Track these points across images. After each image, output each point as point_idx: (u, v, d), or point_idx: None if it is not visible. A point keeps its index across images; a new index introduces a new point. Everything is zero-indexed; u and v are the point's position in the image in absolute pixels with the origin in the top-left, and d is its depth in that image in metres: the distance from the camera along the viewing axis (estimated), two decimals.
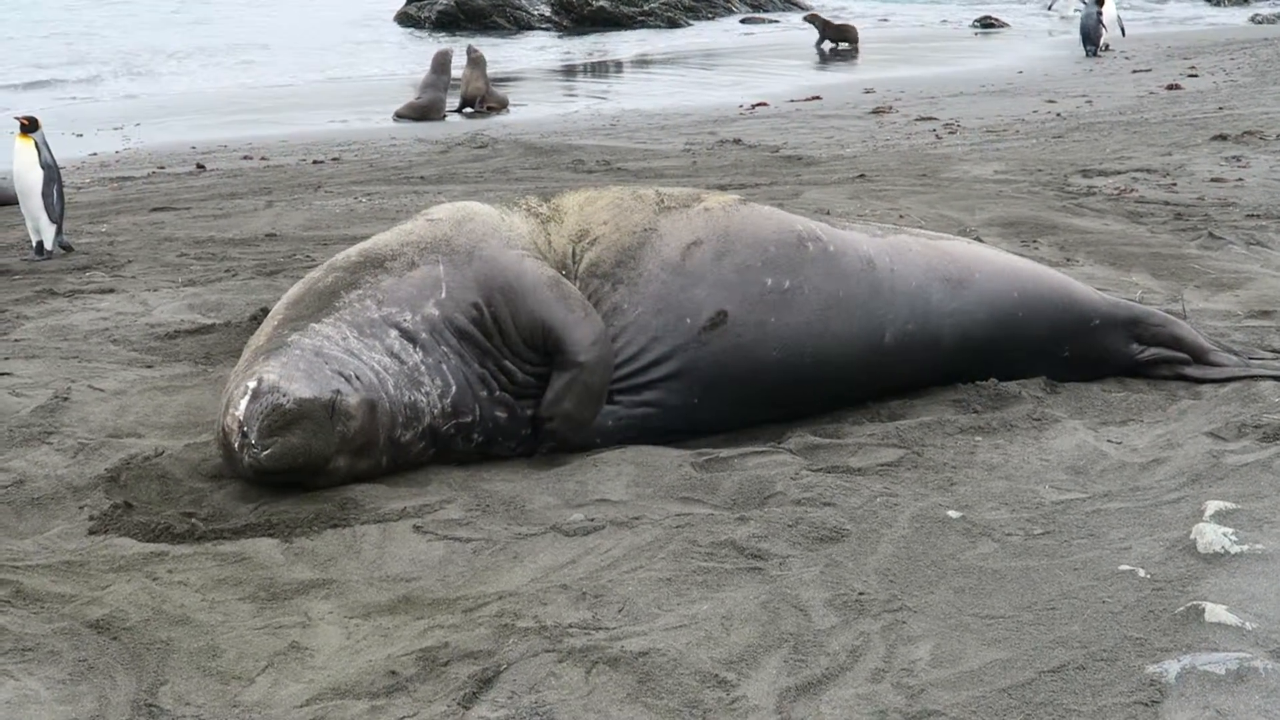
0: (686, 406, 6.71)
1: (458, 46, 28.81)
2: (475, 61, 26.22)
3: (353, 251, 6.74)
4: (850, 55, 35.97)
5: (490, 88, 26.18)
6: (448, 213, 6.85)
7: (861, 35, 37.55)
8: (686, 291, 6.68)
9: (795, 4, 51.01)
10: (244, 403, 5.95)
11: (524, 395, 6.57)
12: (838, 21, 38.89)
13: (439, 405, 6.34)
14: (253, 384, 5.98)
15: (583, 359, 6.51)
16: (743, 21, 46.02)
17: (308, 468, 5.96)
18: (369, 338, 6.28)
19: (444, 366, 6.37)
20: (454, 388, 6.38)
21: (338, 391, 5.98)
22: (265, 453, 5.84)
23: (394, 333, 6.32)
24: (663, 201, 7.02)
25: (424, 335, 6.36)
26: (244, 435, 5.91)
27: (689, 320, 6.66)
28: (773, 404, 6.90)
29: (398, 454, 6.30)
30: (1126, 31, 35.99)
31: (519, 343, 6.51)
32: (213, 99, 28.45)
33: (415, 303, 6.41)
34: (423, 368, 6.31)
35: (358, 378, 6.11)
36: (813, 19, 38.87)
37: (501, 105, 26.08)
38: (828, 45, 36.95)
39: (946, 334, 7.08)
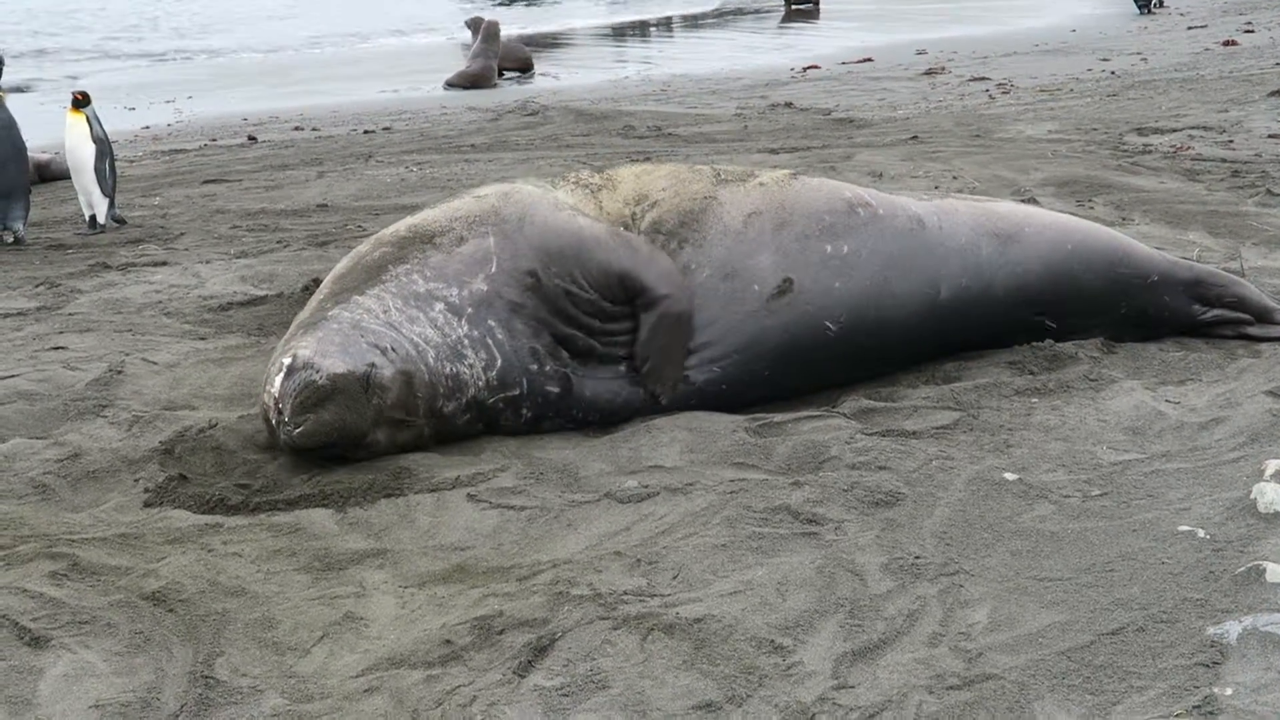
0: (756, 378, 6.67)
1: (506, 11, 28.79)
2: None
3: (400, 226, 6.72)
4: (812, 15, 36.06)
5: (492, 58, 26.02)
6: (493, 189, 6.83)
7: None
8: (752, 258, 6.65)
9: None
10: (279, 380, 6.00)
11: (585, 365, 6.52)
12: None
13: (483, 378, 6.30)
14: (287, 360, 6.03)
15: (664, 291, 6.50)
16: None
17: (343, 442, 5.98)
18: (412, 309, 6.26)
19: (489, 340, 6.32)
20: (499, 361, 6.33)
21: (372, 365, 5.99)
22: (298, 430, 5.88)
23: (439, 305, 6.30)
24: (719, 175, 7.01)
25: (470, 310, 6.32)
26: (279, 412, 5.96)
27: (757, 287, 6.63)
28: (840, 372, 6.87)
29: (441, 425, 6.28)
30: None
31: (586, 299, 6.44)
32: (263, 69, 28.56)
33: (463, 278, 6.37)
34: (466, 341, 6.28)
35: (394, 349, 6.10)
36: None
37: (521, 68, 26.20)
38: (793, 7, 37.20)
39: (1000, 287, 7.04)
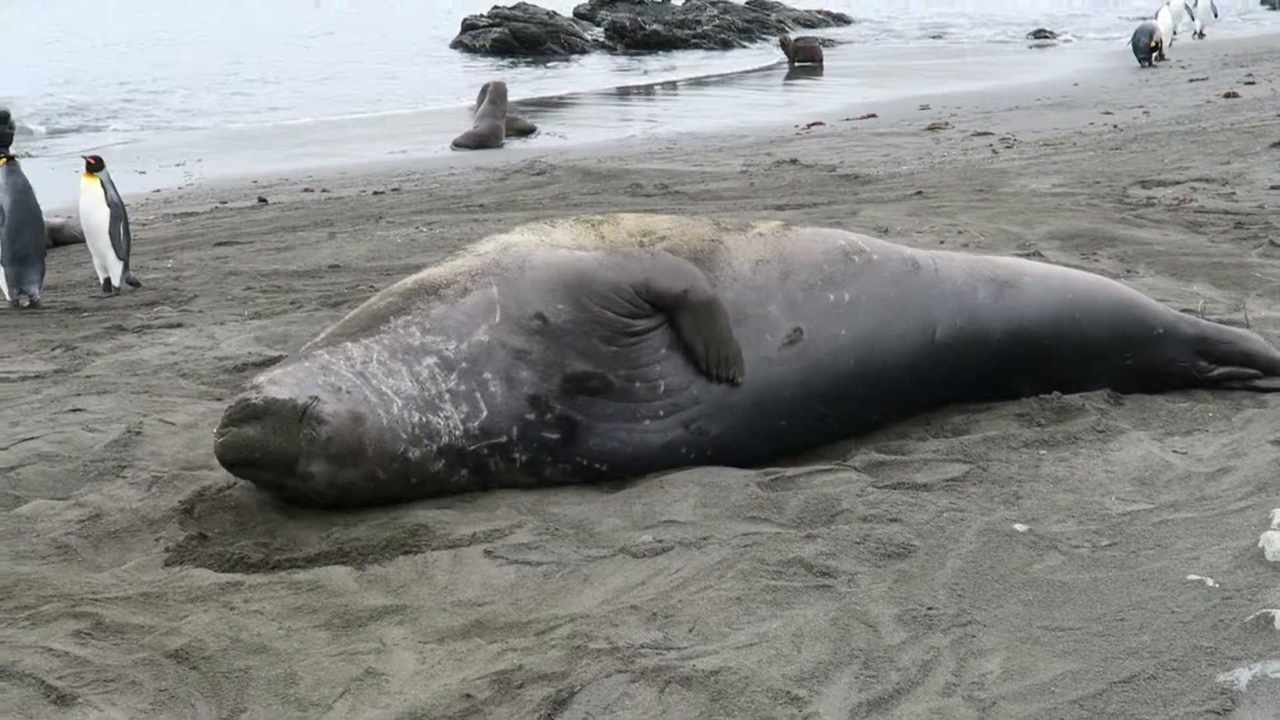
0: (774, 430, 6.74)
1: (512, 73, 28.94)
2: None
3: (408, 280, 6.80)
4: (815, 71, 36.38)
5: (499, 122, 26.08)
6: (491, 244, 6.87)
7: (916, 50, 37.68)
8: (762, 306, 6.72)
9: (845, 20, 51.13)
10: (232, 399, 6.36)
11: (599, 408, 6.51)
12: (802, 44, 39.35)
13: (461, 427, 6.31)
14: (246, 384, 6.36)
15: (681, 286, 6.55)
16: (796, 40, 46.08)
17: (266, 463, 6.13)
18: (397, 362, 6.32)
19: (478, 394, 6.33)
20: (485, 413, 6.33)
21: (315, 398, 6.12)
22: (221, 440, 6.13)
23: (430, 360, 6.34)
24: (720, 223, 7.10)
25: (464, 364, 6.34)
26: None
27: (769, 337, 6.70)
28: (850, 419, 6.97)
29: (410, 470, 6.29)
30: (1193, 32, 36.07)
31: (606, 326, 6.45)
32: (269, 133, 28.68)
33: (464, 330, 6.40)
34: (447, 395, 6.30)
35: (349, 392, 6.19)
36: (783, 44, 39.36)
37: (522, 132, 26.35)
38: (797, 65, 37.57)
39: (997, 331, 7.16)
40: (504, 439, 6.39)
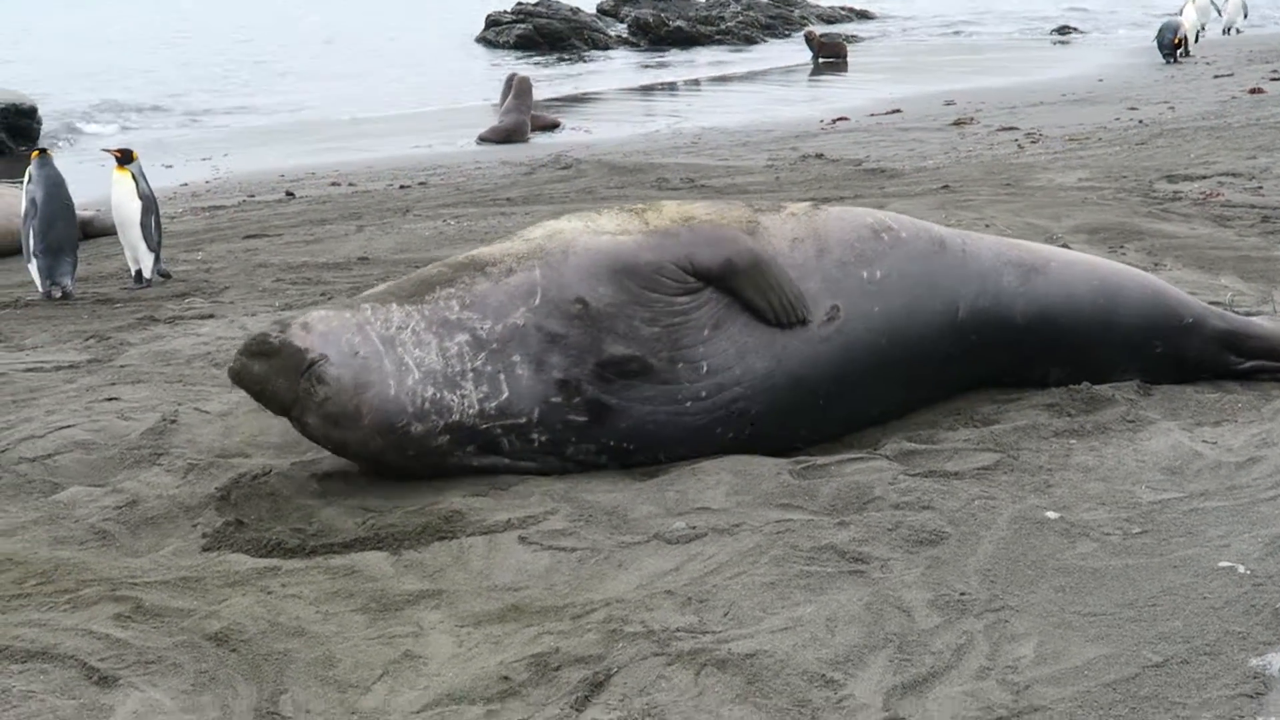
0: (812, 410, 6.79)
1: (536, 70, 28.95)
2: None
3: (461, 255, 6.89)
4: (840, 67, 36.51)
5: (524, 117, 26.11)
6: (539, 230, 6.93)
7: (939, 46, 37.68)
8: (802, 283, 6.76)
9: (868, 16, 51.14)
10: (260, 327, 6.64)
11: (636, 390, 6.51)
12: (826, 40, 39.52)
13: (477, 406, 6.37)
14: (283, 319, 6.64)
15: (724, 254, 6.63)
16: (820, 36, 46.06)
17: (263, 398, 6.47)
18: (429, 334, 6.40)
19: (502, 376, 6.39)
20: (505, 394, 6.39)
21: (324, 356, 6.29)
22: (230, 365, 6.48)
23: (462, 336, 6.41)
24: (754, 205, 7.15)
25: (494, 345, 6.40)
26: None
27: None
28: (883, 399, 7.03)
29: (408, 443, 6.36)
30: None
31: (648, 305, 6.50)
32: (297, 126, 28.76)
33: (503, 310, 6.46)
34: (470, 374, 6.37)
35: (365, 358, 6.31)
36: (808, 39, 39.44)
37: (547, 128, 26.38)
38: (821, 60, 37.72)
39: (1020, 313, 7.20)
40: (523, 420, 6.45)
